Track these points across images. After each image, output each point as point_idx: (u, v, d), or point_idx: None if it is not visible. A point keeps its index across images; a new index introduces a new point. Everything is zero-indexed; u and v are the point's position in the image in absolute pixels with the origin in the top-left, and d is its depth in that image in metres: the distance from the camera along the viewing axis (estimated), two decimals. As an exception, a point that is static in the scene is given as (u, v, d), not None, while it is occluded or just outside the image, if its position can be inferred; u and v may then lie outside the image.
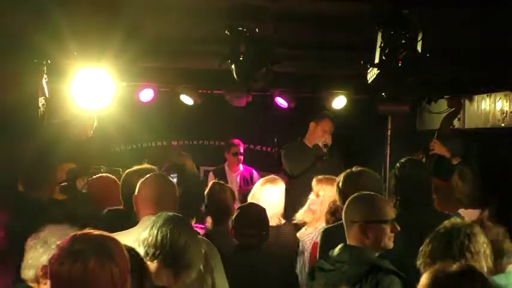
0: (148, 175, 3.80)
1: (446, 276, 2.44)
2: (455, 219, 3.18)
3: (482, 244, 3.06)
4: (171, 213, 3.14)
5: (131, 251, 2.60)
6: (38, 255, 3.04)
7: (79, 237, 2.21)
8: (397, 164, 4.70)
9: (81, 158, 7.25)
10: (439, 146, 6.86)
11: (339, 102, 8.61)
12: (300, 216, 5.55)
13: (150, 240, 3.00)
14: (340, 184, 4.45)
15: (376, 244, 3.56)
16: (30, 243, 3.11)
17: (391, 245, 3.58)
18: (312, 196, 5.50)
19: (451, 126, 7.34)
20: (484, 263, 3.03)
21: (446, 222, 3.17)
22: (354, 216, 3.64)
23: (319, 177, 5.55)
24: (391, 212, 3.65)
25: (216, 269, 3.59)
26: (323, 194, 5.40)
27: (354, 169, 4.54)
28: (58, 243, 2.97)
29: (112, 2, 4.95)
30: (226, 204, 5.10)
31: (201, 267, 3.41)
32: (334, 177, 5.44)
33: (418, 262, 3.05)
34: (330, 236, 4.19)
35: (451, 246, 3.01)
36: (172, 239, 2.99)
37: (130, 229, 3.54)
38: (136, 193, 3.67)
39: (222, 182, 5.80)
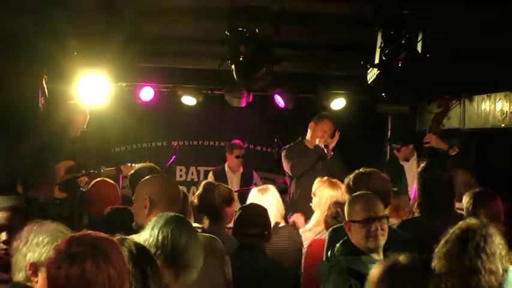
0: (158, 176, 3.79)
1: (401, 269, 2.42)
2: (470, 220, 3.16)
3: (498, 245, 3.02)
4: (172, 214, 3.14)
5: (143, 250, 2.60)
6: (22, 255, 3.03)
7: (75, 240, 2.20)
8: (421, 166, 4.78)
9: (79, 155, 7.26)
10: (435, 140, 6.86)
11: (339, 102, 8.61)
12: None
13: (151, 240, 3.00)
14: (352, 185, 4.45)
15: (357, 242, 3.72)
16: (14, 245, 3.10)
17: (369, 244, 3.68)
18: (312, 195, 5.51)
19: (440, 126, 7.35)
20: (500, 265, 2.99)
21: (461, 223, 3.15)
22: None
23: (324, 178, 5.54)
24: (364, 212, 3.72)
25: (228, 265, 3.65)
26: (319, 194, 5.40)
27: (363, 170, 4.54)
28: (45, 241, 2.99)
29: (113, 2, 4.95)
30: (215, 204, 5.10)
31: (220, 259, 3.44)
32: (337, 180, 5.47)
33: (433, 263, 3.04)
34: (338, 235, 4.21)
35: (466, 248, 2.97)
36: (173, 239, 2.98)
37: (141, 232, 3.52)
38: (150, 194, 3.62)
39: (214, 182, 5.79)
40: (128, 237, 2.60)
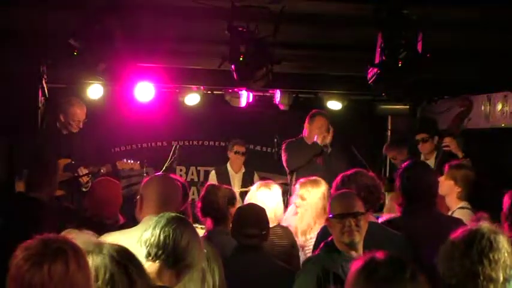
0: (152, 175, 3.81)
1: (377, 265, 2.42)
2: (483, 224, 3.12)
3: (503, 253, 2.99)
4: (173, 214, 3.15)
5: (122, 250, 2.56)
6: None
7: (39, 243, 2.19)
8: (404, 166, 4.71)
9: (78, 154, 7.26)
10: (455, 146, 6.72)
11: (339, 102, 8.61)
12: (288, 221, 5.49)
13: (152, 240, 3.01)
14: (339, 185, 4.48)
15: (335, 238, 3.82)
16: None
17: (345, 239, 3.75)
18: (296, 199, 5.46)
19: (460, 126, 7.18)
20: (501, 273, 2.95)
21: (473, 226, 3.13)
22: None
23: (303, 180, 5.52)
24: (340, 208, 3.80)
25: (217, 270, 3.61)
26: (308, 196, 5.37)
27: (349, 172, 4.57)
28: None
29: (113, 1, 4.96)
30: (219, 206, 5.10)
31: (204, 267, 3.43)
32: (319, 179, 5.47)
33: (436, 260, 3.03)
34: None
35: (470, 250, 2.95)
36: (174, 239, 2.99)
37: (131, 228, 3.54)
38: (140, 193, 3.68)
39: (216, 184, 5.77)
40: (105, 240, 2.57)
